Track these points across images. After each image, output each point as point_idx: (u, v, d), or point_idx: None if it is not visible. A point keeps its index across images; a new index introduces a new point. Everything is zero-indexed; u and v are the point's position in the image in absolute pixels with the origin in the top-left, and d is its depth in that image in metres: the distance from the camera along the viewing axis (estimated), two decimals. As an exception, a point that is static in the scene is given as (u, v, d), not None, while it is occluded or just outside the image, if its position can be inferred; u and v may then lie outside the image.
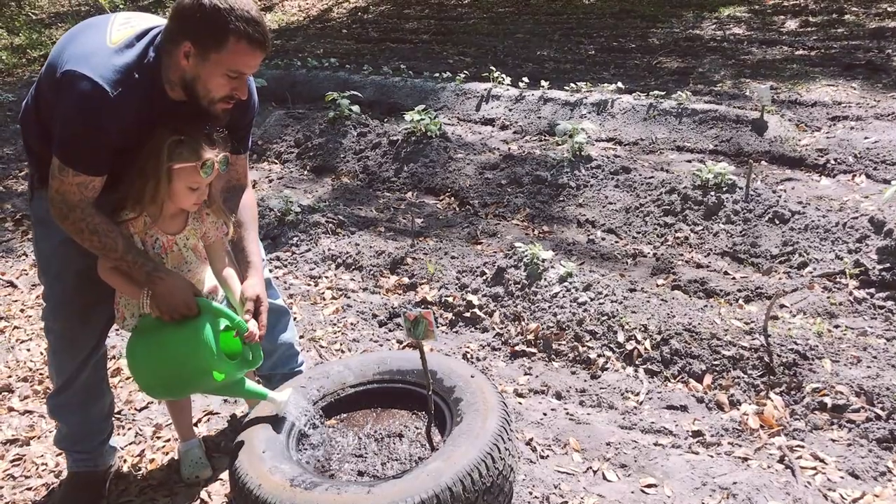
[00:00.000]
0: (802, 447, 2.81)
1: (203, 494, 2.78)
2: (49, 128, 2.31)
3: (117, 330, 3.85)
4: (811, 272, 4.07)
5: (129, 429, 3.25)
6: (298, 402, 2.52)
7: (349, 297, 4.25)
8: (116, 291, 2.53)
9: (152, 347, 2.37)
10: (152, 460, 3.03)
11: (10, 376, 3.74)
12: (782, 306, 3.75)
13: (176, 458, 2.98)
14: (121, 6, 15.31)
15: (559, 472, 2.74)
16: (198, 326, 2.31)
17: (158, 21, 2.32)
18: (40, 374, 3.74)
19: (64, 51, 2.22)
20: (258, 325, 2.41)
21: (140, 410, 3.39)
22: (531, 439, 2.92)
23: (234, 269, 2.56)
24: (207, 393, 2.52)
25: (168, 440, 3.15)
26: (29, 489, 2.94)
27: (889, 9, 10.16)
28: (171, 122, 2.27)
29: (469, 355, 3.62)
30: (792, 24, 10.14)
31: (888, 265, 3.88)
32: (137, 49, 2.20)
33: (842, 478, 2.64)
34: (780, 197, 4.69)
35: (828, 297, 3.77)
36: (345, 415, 2.74)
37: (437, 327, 3.88)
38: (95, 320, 2.63)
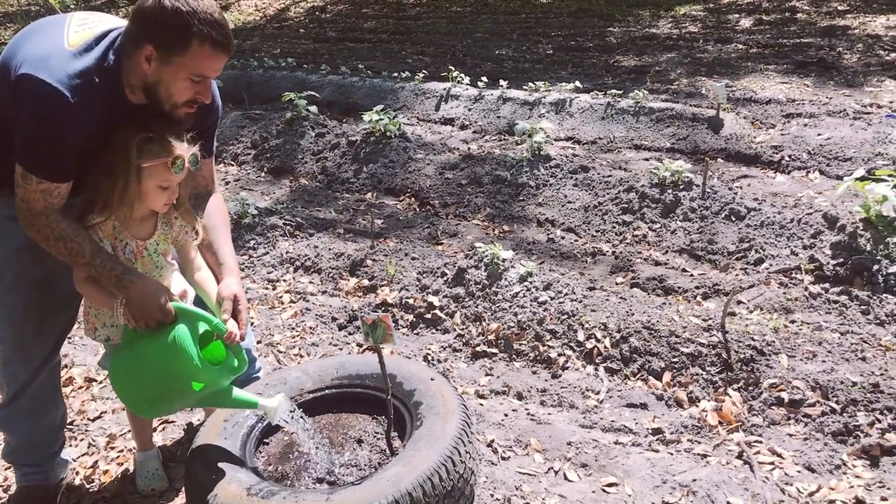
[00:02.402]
0: (760, 442, 2.84)
1: (159, 505, 2.72)
2: (2, 131, 2.24)
3: (70, 338, 3.76)
4: (767, 268, 4.12)
5: (82, 440, 3.17)
6: (288, 407, 2.43)
7: (308, 301, 4.20)
8: (84, 301, 2.45)
9: (131, 361, 2.26)
10: (106, 472, 2.96)
11: (-43, 388, 3.63)
12: (739, 302, 3.79)
13: (131, 468, 2.91)
14: (72, 6, 15.02)
15: (520, 473, 2.73)
16: (175, 333, 2.19)
17: (117, 23, 2.25)
18: (-11, 384, 3.63)
19: (18, 51, 2.14)
20: (238, 325, 2.32)
21: (93, 420, 3.31)
22: (492, 441, 2.90)
23: (207, 272, 2.49)
24: (194, 406, 2.41)
25: (122, 451, 3.07)
26: (-24, 505, 2.86)
27: (839, 7, 10.37)
28: (136, 121, 2.20)
29: (430, 357, 3.59)
30: (746, 23, 10.30)
31: (841, 260, 3.94)
32: (97, 52, 2.13)
33: (798, 472, 2.67)
34: (736, 194, 4.75)
35: (784, 293, 3.82)
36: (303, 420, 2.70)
37: (397, 329, 3.85)
38: (51, 329, 2.55)
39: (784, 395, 3.01)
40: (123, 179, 2.21)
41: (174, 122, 2.23)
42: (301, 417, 2.46)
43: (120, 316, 2.25)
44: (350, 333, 3.88)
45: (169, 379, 2.24)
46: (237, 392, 2.37)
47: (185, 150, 2.25)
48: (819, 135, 5.76)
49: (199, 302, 2.49)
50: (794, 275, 4.00)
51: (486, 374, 3.46)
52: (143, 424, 2.82)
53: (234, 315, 2.34)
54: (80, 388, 3.55)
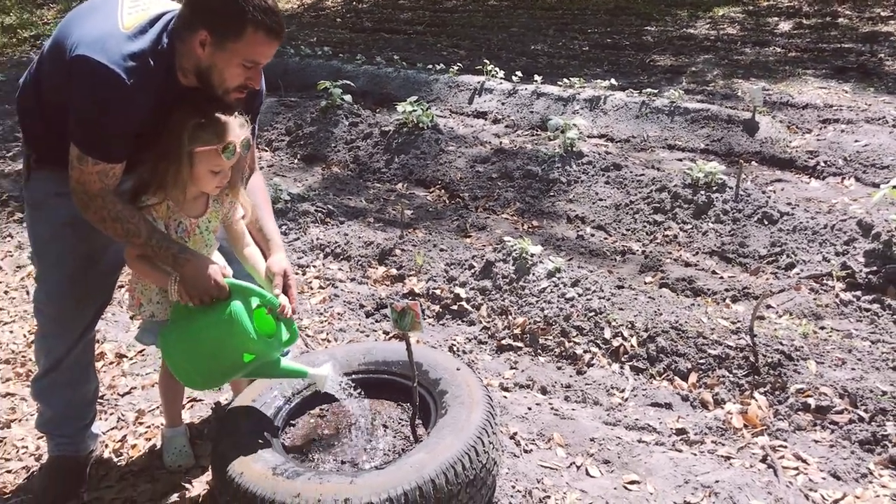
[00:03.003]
0: (785, 447, 2.82)
1: (184, 482, 2.76)
2: (50, 108, 2.29)
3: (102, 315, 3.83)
4: (798, 273, 4.08)
5: (112, 414, 3.23)
6: (336, 376, 2.50)
7: (336, 287, 4.23)
8: (132, 276, 2.51)
9: (186, 336, 2.33)
10: (134, 446, 3.01)
11: (-8, 358, 3.72)
12: (769, 307, 3.76)
13: (158, 444, 2.96)
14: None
15: (542, 466, 2.74)
16: (231, 308, 2.25)
17: (170, 6, 2.29)
18: (23, 356, 3.71)
19: (72, 31, 2.18)
20: (289, 299, 2.40)
21: (123, 396, 3.37)
22: (515, 433, 2.91)
23: (255, 248, 2.56)
24: (245, 376, 2.47)
25: (150, 426, 3.13)
26: (9, 472, 2.92)
27: (882, 14, 10.20)
28: (189, 105, 2.24)
29: (455, 348, 3.61)
30: (785, 26, 10.16)
31: (875, 268, 3.89)
32: (151, 35, 2.16)
33: (823, 479, 2.65)
34: (769, 198, 4.70)
35: (814, 299, 3.78)
36: (329, 404, 2.74)
37: (424, 319, 3.87)
38: (89, 305, 2.61)
39: (811, 400, 2.99)
40: (176, 164, 2.26)
41: (224, 107, 2.27)
42: (348, 386, 2.52)
43: (174, 293, 2.30)
44: (377, 321, 3.91)
45: (223, 352, 2.30)
46: (286, 362, 2.45)
47: (237, 135, 2.28)
48: (856, 141, 5.68)
49: (247, 277, 2.55)
50: (825, 281, 3.96)
51: (511, 368, 3.47)
52: (174, 400, 2.86)
53: (285, 289, 2.42)
54: (111, 363, 3.61)
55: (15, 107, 2.49)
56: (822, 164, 5.50)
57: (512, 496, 2.55)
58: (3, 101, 8.47)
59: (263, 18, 2.08)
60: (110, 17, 2.17)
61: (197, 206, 2.44)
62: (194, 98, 2.24)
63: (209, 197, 2.45)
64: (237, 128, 2.29)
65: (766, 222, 4.50)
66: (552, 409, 3.11)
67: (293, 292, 2.45)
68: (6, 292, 4.41)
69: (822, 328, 3.54)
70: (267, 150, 6.84)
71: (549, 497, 2.58)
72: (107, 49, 2.08)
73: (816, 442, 2.84)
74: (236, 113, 2.30)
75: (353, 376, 2.73)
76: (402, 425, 2.59)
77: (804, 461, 2.73)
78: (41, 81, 2.31)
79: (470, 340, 3.69)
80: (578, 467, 2.75)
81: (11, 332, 3.96)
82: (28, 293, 4.34)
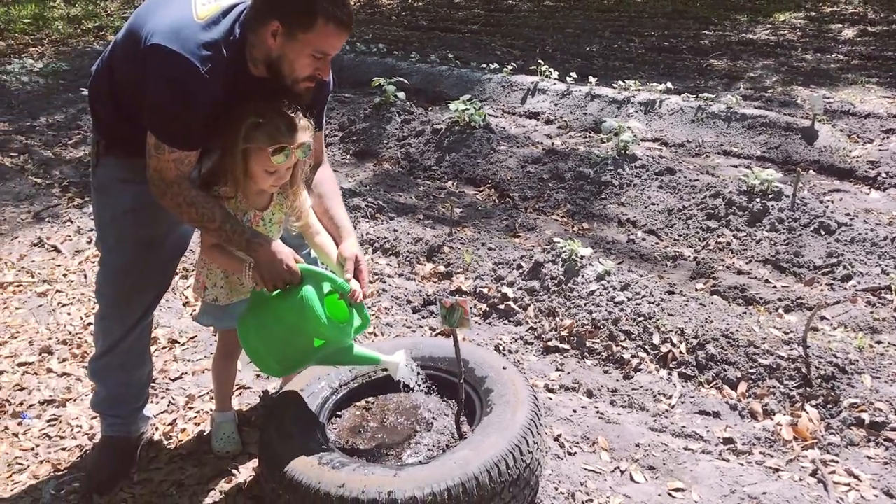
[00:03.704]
0: (836, 462, 2.76)
1: (231, 468, 2.80)
2: (122, 96, 2.35)
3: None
4: (855, 285, 3.98)
5: (163, 398, 3.30)
6: (410, 363, 2.53)
7: (385, 282, 4.26)
8: (199, 261, 2.57)
9: (261, 322, 2.37)
10: (183, 430, 3.07)
11: (50, 339, 3.82)
12: (823, 318, 3.68)
13: (207, 429, 3.02)
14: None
15: (586, 469, 2.73)
16: (303, 292, 2.29)
17: None
18: (79, 337, 3.81)
19: (147, 21, 2.22)
20: (360, 284, 2.43)
21: (174, 380, 3.43)
22: (560, 435, 2.90)
23: (326, 236, 2.59)
24: (319, 363, 2.51)
25: (199, 411, 3.19)
26: (63, 449, 3.00)
27: (952, 22, 9.91)
28: (254, 102, 2.28)
29: (501, 348, 3.61)
30: (849, 33, 9.93)
31: (936, 283, 3.79)
32: (224, 25, 2.21)
33: (876, 496, 2.58)
34: (826, 207, 4.60)
35: (871, 312, 3.69)
36: (375, 397, 2.76)
37: (471, 317, 3.87)
38: (149, 290, 2.67)
39: (865, 416, 2.92)
40: (232, 159, 2.31)
41: (294, 97, 2.30)
42: (420, 373, 2.55)
43: (249, 278, 2.36)
44: (423, 317, 3.92)
45: (296, 337, 2.34)
46: (358, 349, 2.47)
47: (295, 139, 2.30)
48: (920, 153, 5.53)
49: (317, 264, 2.60)
50: (883, 294, 3.86)
51: (557, 370, 3.45)
52: (226, 384, 2.91)
53: (356, 275, 2.44)
54: (164, 348, 3.69)
55: (87, 94, 2.56)
56: (884, 174, 5.37)
57: (554, 498, 2.55)
58: (68, 90, 8.71)
59: (334, 10, 2.12)
60: (185, 8, 2.22)
61: (262, 199, 2.48)
62: (262, 95, 2.27)
63: (272, 191, 2.49)
64: (297, 132, 2.31)
65: (822, 232, 4.41)
66: (598, 412, 3.09)
67: (364, 277, 2.47)
68: (65, 275, 4.53)
69: (879, 342, 3.45)
70: (320, 145, 6.90)
71: (591, 500, 2.57)
72: (181, 38, 2.13)
73: (870, 458, 2.77)
74: (302, 116, 2.33)
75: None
76: (447, 421, 2.60)
77: (856, 477, 2.67)
78: (114, 69, 2.37)
79: (516, 340, 3.68)
80: (622, 472, 2.72)
81: (69, 314, 4.07)
82: (86, 277, 4.46)
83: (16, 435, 3.10)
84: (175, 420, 3.14)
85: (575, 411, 3.08)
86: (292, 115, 2.31)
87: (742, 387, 3.20)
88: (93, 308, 3.99)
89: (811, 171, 5.62)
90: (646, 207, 5.11)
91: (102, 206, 2.56)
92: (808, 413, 3.00)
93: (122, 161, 2.45)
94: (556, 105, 7.42)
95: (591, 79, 7.44)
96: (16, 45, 11.94)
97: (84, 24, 13.34)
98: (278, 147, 2.28)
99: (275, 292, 2.35)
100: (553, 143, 6.45)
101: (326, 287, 2.38)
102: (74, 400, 3.33)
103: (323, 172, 2.67)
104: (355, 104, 7.38)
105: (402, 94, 7.01)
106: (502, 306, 3.92)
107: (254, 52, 2.23)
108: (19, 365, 3.59)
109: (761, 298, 3.92)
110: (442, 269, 4.36)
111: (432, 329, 3.78)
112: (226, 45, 2.19)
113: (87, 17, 13.77)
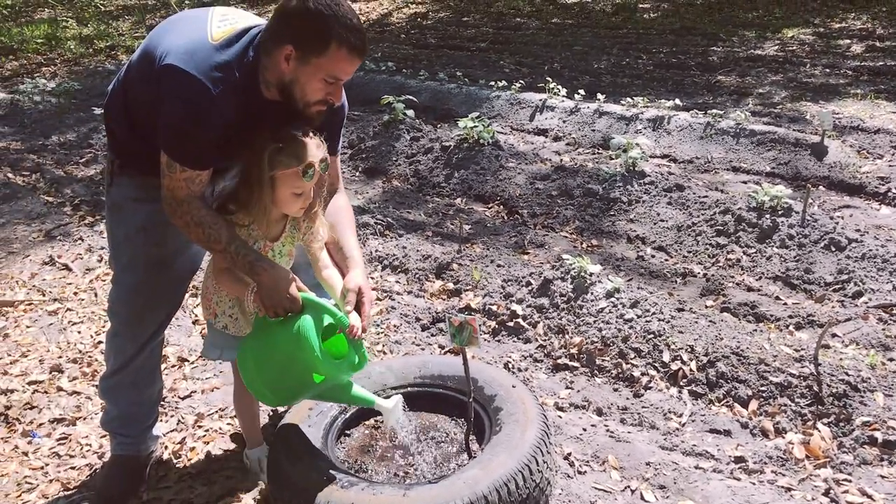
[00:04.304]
0: (849, 481, 2.73)
1: (240, 487, 2.80)
2: (136, 115, 2.37)
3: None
4: (866, 302, 3.96)
5: (172, 416, 3.30)
6: (403, 412, 2.46)
7: (394, 300, 4.26)
8: (210, 288, 2.55)
9: (259, 349, 2.34)
10: (192, 449, 3.07)
11: (60, 357, 3.83)
12: (834, 335, 3.66)
13: (216, 448, 3.02)
14: (186, 3, 15.64)
15: (596, 488, 2.71)
16: (300, 322, 2.25)
17: (257, 21, 2.36)
18: (89, 356, 3.83)
19: (162, 41, 2.25)
20: (361, 318, 2.37)
21: (183, 399, 3.44)
22: (569, 454, 2.89)
23: (334, 270, 2.56)
24: (315, 398, 2.48)
25: (208, 430, 3.19)
26: (73, 468, 3.00)
27: (961, 37, 9.89)
28: (268, 129, 2.28)
29: (510, 365, 3.60)
30: (857, 48, 9.92)
31: (948, 300, 3.76)
32: (238, 48, 2.23)
33: (889, 516, 2.56)
34: (837, 224, 4.58)
35: (883, 329, 3.66)
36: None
37: (480, 335, 3.87)
38: (161, 309, 2.68)
39: (878, 434, 2.89)
40: (258, 188, 2.30)
41: (306, 120, 2.31)
42: (409, 423, 2.52)
43: (250, 303, 2.35)
44: (432, 335, 3.92)
45: (292, 368, 2.29)
46: (356, 389, 2.41)
47: (314, 155, 2.31)
48: (931, 168, 5.51)
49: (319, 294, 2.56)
50: (894, 311, 3.84)
51: (567, 388, 3.44)
52: (254, 419, 2.83)
53: (357, 308, 2.39)
54: (174, 366, 3.70)
55: (102, 113, 2.58)
56: (894, 190, 5.35)
57: (564, 517, 2.53)
58: (80, 109, 8.78)
59: (348, 36, 2.13)
60: (200, 29, 2.25)
61: (275, 229, 2.47)
62: (278, 113, 2.29)
63: (287, 222, 2.48)
64: (314, 148, 2.32)
65: (833, 249, 4.39)
66: (608, 430, 3.07)
67: (366, 310, 2.40)
68: (76, 293, 4.55)
69: (891, 360, 3.42)
70: (329, 163, 6.93)
71: (602, 520, 2.55)
72: (195, 59, 2.15)
73: (883, 478, 2.75)
74: (312, 133, 2.34)
75: (409, 389, 2.75)
76: (456, 440, 2.59)
77: (870, 497, 2.64)
78: (128, 89, 2.40)
79: (525, 358, 3.68)
80: (633, 491, 2.70)
81: (79, 332, 4.09)
82: (96, 295, 4.48)
83: (26, 454, 3.10)
84: (184, 439, 3.14)
85: (585, 430, 3.07)
86: (303, 134, 2.32)
87: (753, 405, 3.18)
88: (103, 326, 4.00)
89: (821, 187, 5.61)
90: (655, 224, 5.10)
91: (116, 224, 2.58)
92: (820, 431, 2.97)
93: (136, 180, 2.48)
94: (564, 122, 7.43)
95: (600, 96, 7.46)
96: (28, 65, 12.07)
97: (96, 43, 13.46)
98: (306, 165, 2.28)
99: (275, 319, 2.32)
100: (561, 160, 6.46)
101: (327, 319, 2.33)
102: (84, 418, 3.34)
103: (338, 201, 2.65)
104: (364, 122, 7.42)
105: (411, 112, 7.04)
106: (511, 324, 3.91)
107: (267, 75, 2.25)
108: (30, 383, 3.61)
109: (772, 315, 3.90)
110: (451, 286, 4.36)
111: (441, 347, 3.78)
112: (238, 67, 2.21)
113: (99, 37, 13.90)
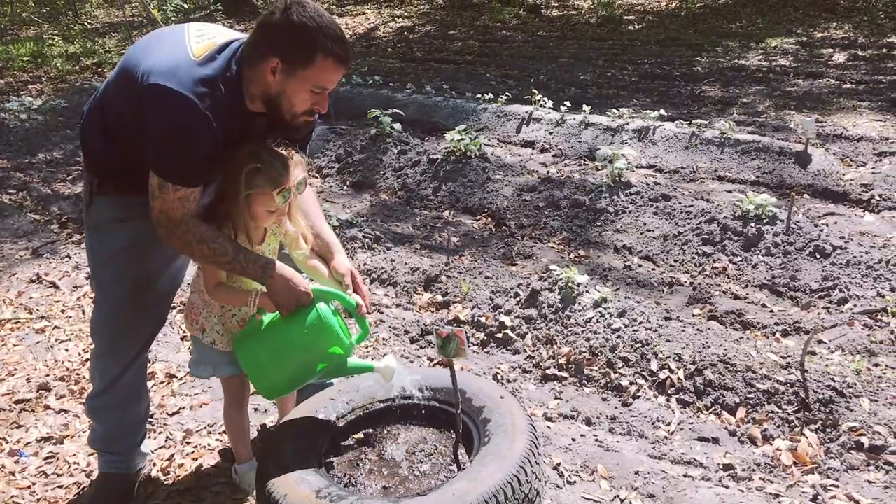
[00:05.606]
0: (837, 486, 2.75)
1: (229, 503, 2.79)
2: (114, 136, 2.37)
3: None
4: (851, 309, 3.99)
5: (160, 433, 3.29)
6: (402, 366, 2.58)
7: (382, 313, 4.26)
8: (197, 303, 2.57)
9: (273, 345, 2.41)
10: (181, 465, 3.06)
11: (47, 375, 3.81)
12: (820, 342, 3.69)
13: (205, 464, 3.01)
14: (172, 19, 15.66)
15: (586, 498, 2.72)
16: (320, 311, 2.36)
17: (236, 35, 2.37)
18: (77, 374, 3.81)
19: (142, 60, 2.24)
20: (361, 297, 2.52)
21: (171, 415, 3.43)
22: (559, 464, 2.89)
23: (316, 258, 2.64)
24: (319, 378, 2.55)
25: (197, 446, 3.18)
26: (60, 487, 2.99)
27: (941, 45, 10.01)
28: (247, 146, 2.32)
29: (499, 376, 3.60)
30: (840, 58, 10.03)
31: (932, 305, 3.80)
32: (220, 62, 2.24)
33: (877, 520, 2.58)
34: (821, 231, 4.62)
35: (868, 335, 3.69)
36: (372, 429, 2.75)
37: (469, 347, 3.87)
38: (144, 327, 2.68)
39: (864, 439, 2.92)
40: (236, 207, 2.36)
41: (292, 130, 2.35)
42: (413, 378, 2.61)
43: (253, 307, 2.42)
44: (421, 347, 3.92)
45: (306, 357, 2.40)
46: (352, 360, 2.52)
47: (293, 176, 2.36)
48: (913, 175, 5.57)
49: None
50: (879, 317, 3.87)
51: (556, 398, 3.45)
52: (244, 434, 2.84)
53: (355, 288, 2.54)
54: (162, 383, 3.68)
55: (78, 133, 2.58)
56: (877, 197, 5.40)
57: (554, 527, 2.53)
58: (66, 126, 8.77)
59: (333, 47, 2.16)
60: (179, 46, 2.25)
61: (258, 234, 2.51)
62: (262, 132, 2.32)
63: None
64: (293, 168, 2.36)
65: (818, 256, 4.42)
66: (596, 440, 3.08)
67: (363, 290, 2.56)
68: (63, 311, 4.54)
69: (877, 365, 3.45)
70: (317, 177, 6.95)
71: (591, 530, 2.56)
72: (178, 76, 2.16)
73: (870, 482, 2.77)
74: (293, 152, 2.38)
75: (397, 401, 2.75)
76: (445, 452, 2.59)
77: (857, 502, 2.66)
78: (106, 109, 2.39)
79: (514, 369, 3.68)
80: (622, 500, 2.71)
81: (67, 350, 4.07)
82: (84, 312, 4.46)
83: (12, 473, 3.09)
84: (173, 455, 3.13)
85: (574, 440, 3.07)
86: (285, 154, 2.34)
87: (741, 412, 3.20)
88: (91, 344, 3.98)
89: (805, 195, 5.66)
90: (641, 234, 5.13)
91: (97, 244, 2.57)
92: (807, 437, 2.99)
93: (115, 199, 2.47)
94: (550, 133, 7.47)
95: (585, 107, 7.50)
96: (15, 83, 12.05)
97: (82, 61, 13.46)
98: (280, 189, 2.32)
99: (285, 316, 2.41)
100: (548, 172, 6.49)
101: (334, 303, 2.47)
102: (72, 437, 3.32)
103: (303, 194, 2.67)
104: (352, 136, 7.43)
105: (398, 126, 7.06)
106: (500, 335, 3.92)
107: (251, 88, 2.26)
108: (16, 402, 3.59)
109: (758, 323, 3.93)
110: (439, 298, 4.36)
111: (430, 359, 3.78)
112: (223, 82, 2.21)
113: (85, 55, 13.89)
